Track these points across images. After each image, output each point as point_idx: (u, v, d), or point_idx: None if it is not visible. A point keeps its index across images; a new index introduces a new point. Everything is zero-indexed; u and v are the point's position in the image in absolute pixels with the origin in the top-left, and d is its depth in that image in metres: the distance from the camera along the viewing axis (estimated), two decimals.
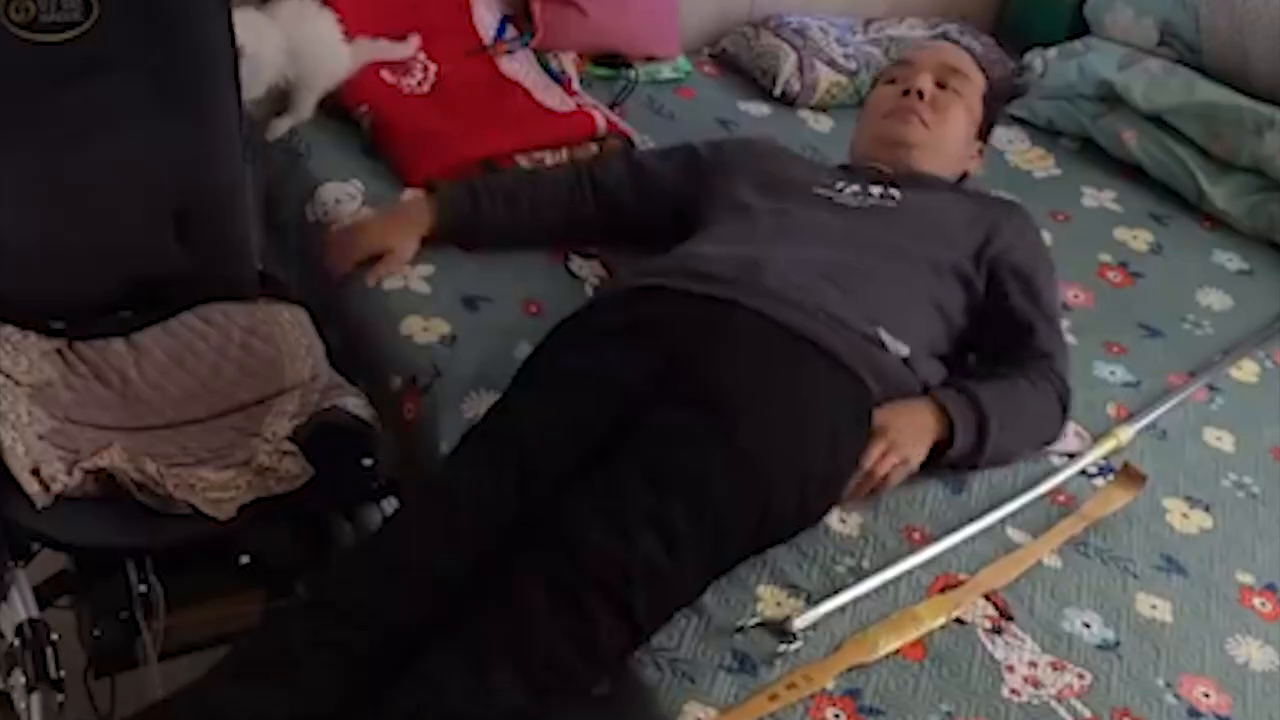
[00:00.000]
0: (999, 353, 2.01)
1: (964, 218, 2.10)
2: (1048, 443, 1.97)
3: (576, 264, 2.22)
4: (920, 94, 2.21)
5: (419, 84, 2.51)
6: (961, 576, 1.75)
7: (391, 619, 1.56)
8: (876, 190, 2.11)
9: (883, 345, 1.87)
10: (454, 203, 2.17)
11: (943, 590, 1.73)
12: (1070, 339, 2.24)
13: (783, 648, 1.60)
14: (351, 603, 1.57)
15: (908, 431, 1.83)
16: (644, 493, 1.61)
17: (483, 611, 1.54)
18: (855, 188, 2.12)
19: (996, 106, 2.36)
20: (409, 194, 2.26)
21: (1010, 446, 1.91)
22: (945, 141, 2.23)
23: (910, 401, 1.87)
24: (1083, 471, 1.96)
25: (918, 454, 1.84)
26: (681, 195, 2.17)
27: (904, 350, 1.89)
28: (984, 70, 2.33)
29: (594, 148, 2.44)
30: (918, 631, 1.66)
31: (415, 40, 2.54)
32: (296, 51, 2.30)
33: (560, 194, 2.22)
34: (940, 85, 2.24)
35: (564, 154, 2.40)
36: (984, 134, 2.34)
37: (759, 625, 1.62)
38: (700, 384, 1.73)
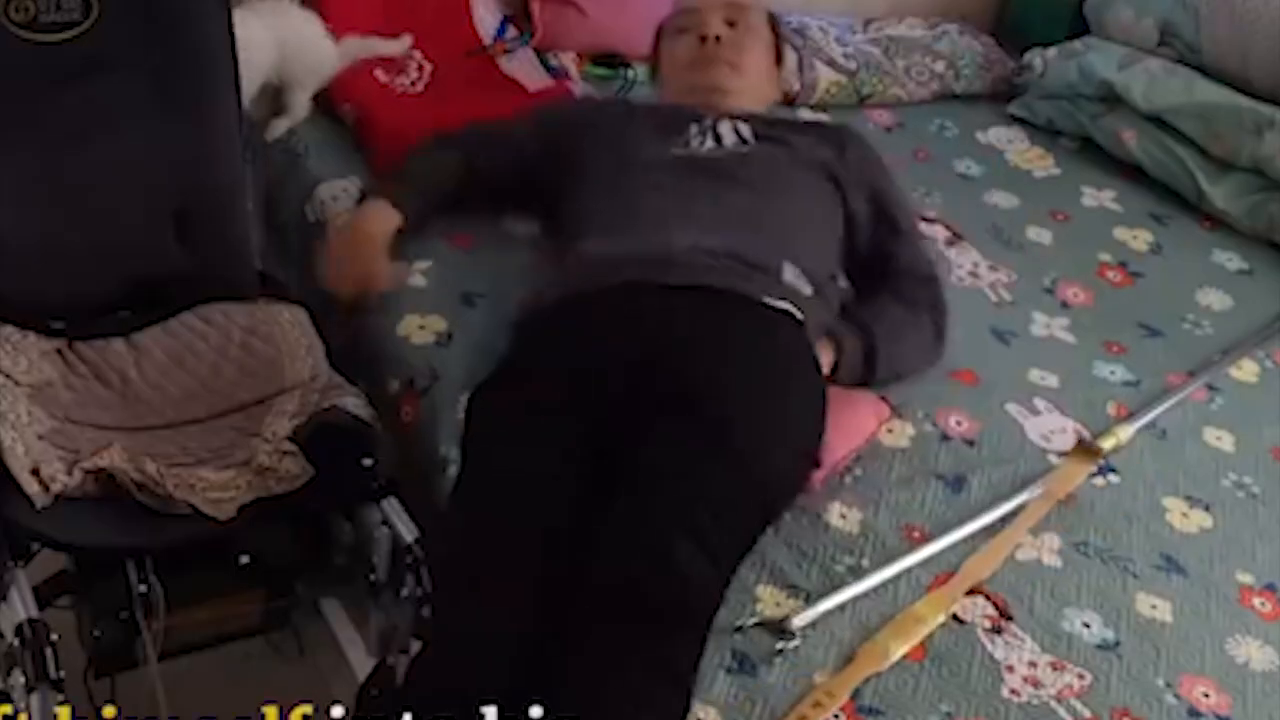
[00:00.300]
0: (869, 272, 2.09)
1: (807, 142, 2.15)
2: (930, 365, 2.07)
3: None
4: (717, 38, 2.23)
5: (412, 83, 2.51)
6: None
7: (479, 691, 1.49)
8: (730, 136, 2.12)
9: (794, 285, 1.90)
10: (408, 207, 2.11)
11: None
12: (1070, 338, 2.25)
13: (781, 645, 1.60)
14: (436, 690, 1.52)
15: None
16: (670, 517, 1.59)
17: (563, 679, 1.50)
18: (709, 142, 2.12)
19: (781, 30, 2.39)
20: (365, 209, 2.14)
21: (897, 369, 2.02)
22: (751, 77, 2.26)
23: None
24: None
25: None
26: (543, 171, 2.17)
27: (807, 289, 1.92)
28: None
29: None
30: (922, 632, 1.67)
31: (408, 38, 2.54)
32: (282, 50, 2.29)
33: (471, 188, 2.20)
34: (730, 24, 2.26)
35: None
36: (780, 58, 2.38)
37: (758, 625, 1.62)
38: (675, 388, 1.72)
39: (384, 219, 2.06)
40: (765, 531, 1.73)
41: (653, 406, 1.71)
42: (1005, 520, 1.85)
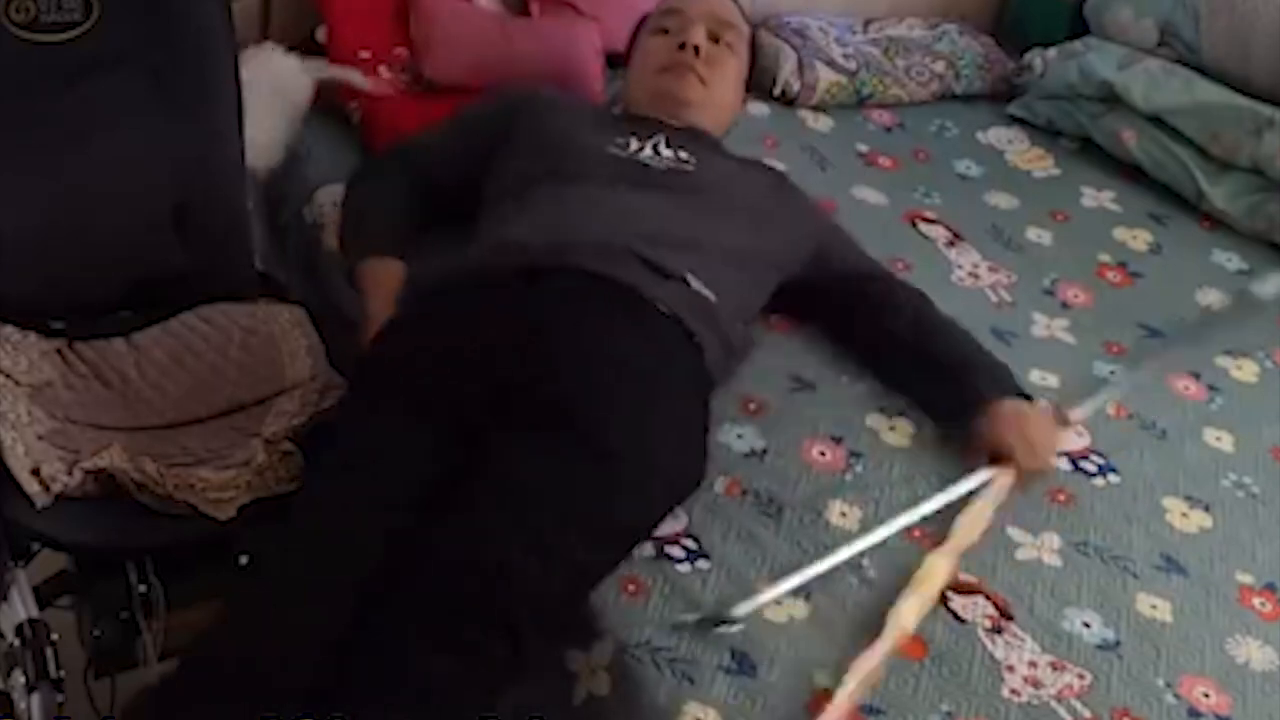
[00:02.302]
0: (851, 308, 2.09)
1: (758, 188, 2.15)
2: None
3: None
4: (696, 49, 2.20)
5: (415, 81, 2.51)
6: (962, 576, 1.76)
7: (279, 685, 1.48)
8: (668, 153, 2.09)
9: (693, 288, 1.88)
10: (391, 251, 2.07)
11: (943, 590, 1.73)
12: (1070, 339, 2.25)
13: (721, 629, 1.60)
14: (235, 668, 1.50)
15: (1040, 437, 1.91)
16: (505, 515, 1.57)
17: (363, 670, 1.48)
18: (648, 150, 2.09)
19: (756, 55, 2.37)
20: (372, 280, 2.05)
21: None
22: (721, 96, 2.24)
23: (1007, 418, 1.90)
24: (1083, 471, 1.96)
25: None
26: (477, 164, 2.15)
27: (711, 296, 1.89)
28: (746, 19, 2.34)
29: None
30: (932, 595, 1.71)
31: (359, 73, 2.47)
32: (260, 90, 2.27)
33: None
34: (713, 38, 2.24)
35: None
36: (749, 83, 2.36)
37: (701, 621, 1.62)
38: (537, 392, 1.70)
39: (393, 273, 2.02)
40: (636, 533, 1.70)
41: (514, 405, 1.68)
42: (1005, 521, 1.85)
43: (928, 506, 1.83)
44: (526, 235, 1.91)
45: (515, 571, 1.53)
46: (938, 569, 1.72)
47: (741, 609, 1.62)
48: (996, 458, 1.87)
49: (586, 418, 1.67)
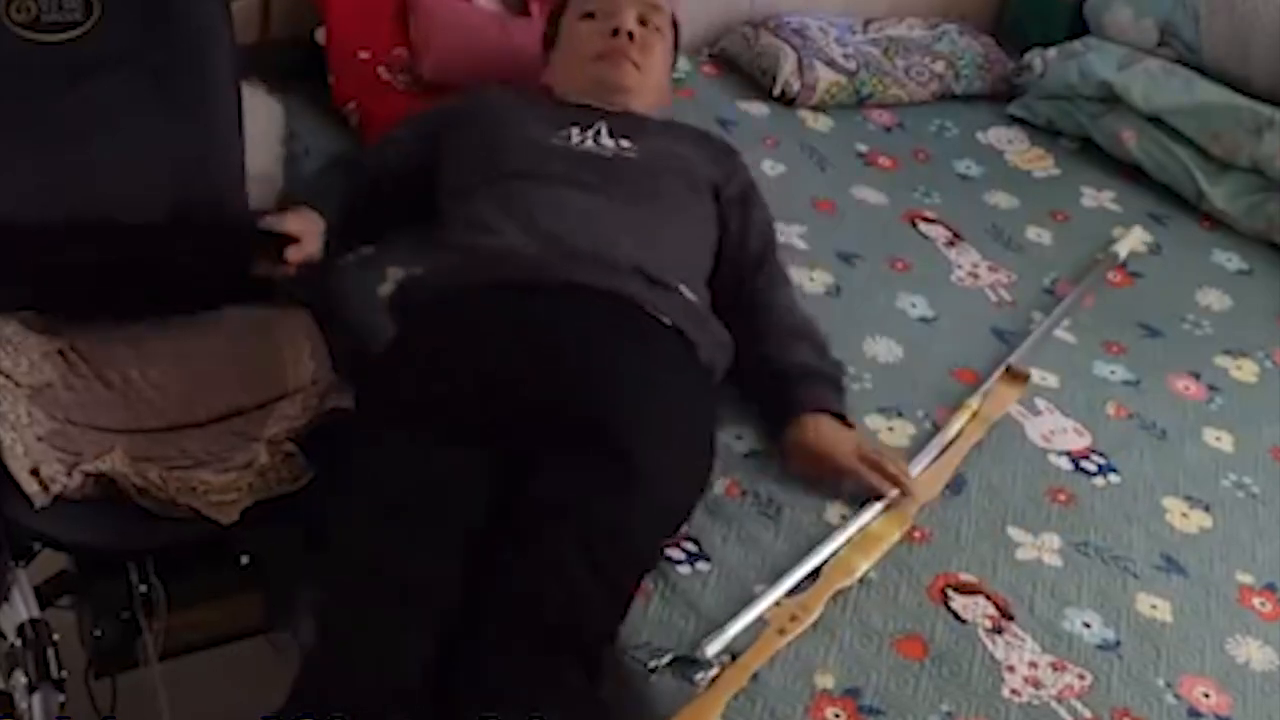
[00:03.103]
0: (731, 300, 2.03)
1: (698, 158, 2.13)
2: None
3: None
4: (630, 35, 2.18)
5: (414, 82, 2.51)
6: (962, 576, 1.76)
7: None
8: (609, 143, 2.07)
9: (686, 298, 1.90)
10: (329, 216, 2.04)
11: (943, 590, 1.73)
12: (1070, 338, 2.25)
13: (700, 676, 1.57)
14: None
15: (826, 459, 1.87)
16: (567, 546, 1.58)
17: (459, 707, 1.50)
18: (590, 143, 2.07)
19: (678, 36, 2.34)
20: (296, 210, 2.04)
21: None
22: (655, 80, 2.24)
23: (822, 436, 1.88)
24: (1083, 471, 1.97)
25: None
26: (426, 169, 2.13)
27: (697, 300, 1.93)
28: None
29: None
30: (883, 548, 1.76)
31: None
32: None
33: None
34: (642, 22, 2.21)
35: None
36: (674, 65, 2.37)
37: (672, 662, 1.59)
38: (570, 411, 1.70)
39: (314, 219, 1.99)
40: (664, 549, 1.72)
41: (546, 428, 1.69)
42: (1005, 520, 1.85)
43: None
44: (517, 243, 1.90)
45: (585, 601, 1.56)
46: (887, 531, 1.79)
47: (713, 648, 1.61)
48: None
49: (619, 437, 1.67)
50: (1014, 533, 1.85)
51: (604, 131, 2.09)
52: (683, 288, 1.91)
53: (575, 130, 2.08)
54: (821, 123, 2.78)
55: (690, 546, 1.75)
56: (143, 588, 1.73)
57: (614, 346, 1.78)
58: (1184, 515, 1.93)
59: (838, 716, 1.56)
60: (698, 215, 2.07)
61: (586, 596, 1.56)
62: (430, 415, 1.70)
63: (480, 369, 1.73)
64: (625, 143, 2.08)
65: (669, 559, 1.72)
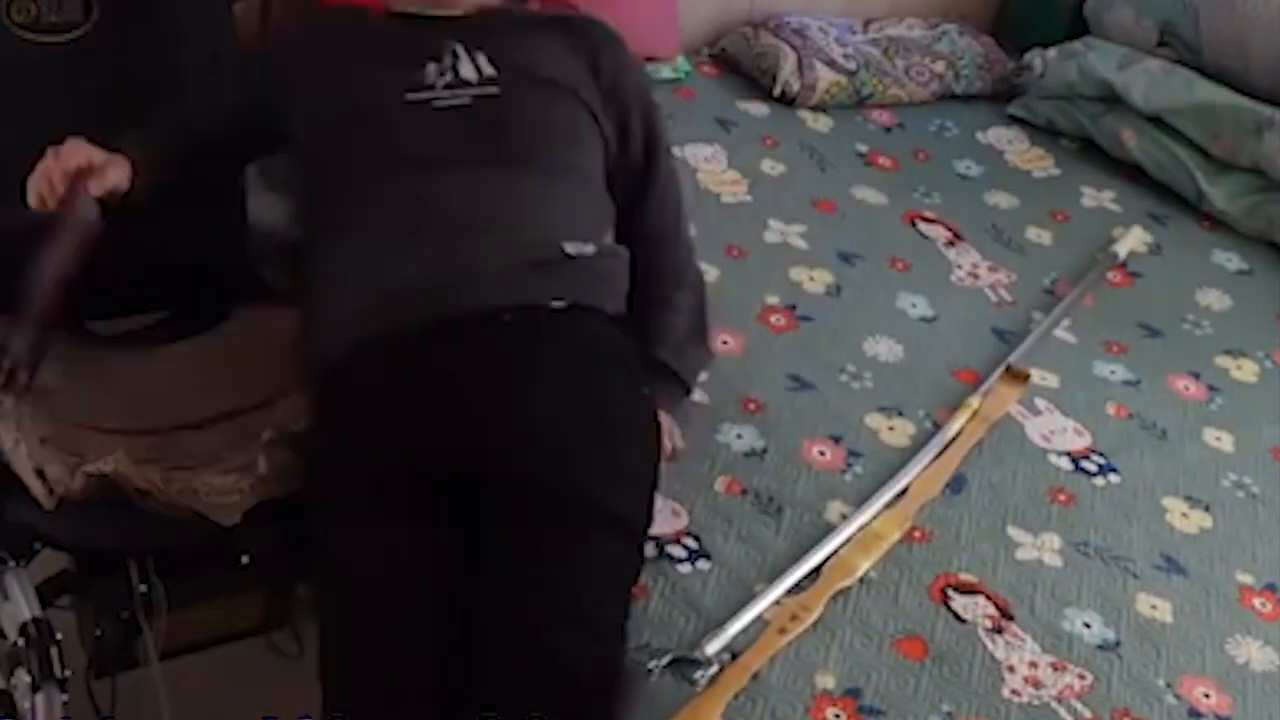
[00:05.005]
0: (630, 203, 1.90)
1: (560, 55, 1.88)
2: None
3: None
4: None
5: None
6: (963, 576, 1.76)
7: None
8: (469, 72, 1.81)
9: (578, 257, 1.75)
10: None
11: (943, 590, 1.73)
12: (1070, 338, 2.25)
13: (700, 675, 1.58)
14: None
15: None
16: (545, 612, 1.54)
17: None
18: (449, 77, 1.80)
19: None
20: None
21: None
22: None
23: None
24: (1084, 471, 1.97)
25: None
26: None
27: (589, 248, 1.77)
28: None
29: None
30: (883, 547, 1.76)
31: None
32: None
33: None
34: None
35: None
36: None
37: (672, 662, 1.59)
38: (515, 466, 1.61)
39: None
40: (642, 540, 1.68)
41: (495, 487, 1.60)
42: (1005, 520, 1.86)
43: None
44: (398, 281, 1.70)
45: (563, 653, 1.51)
46: (887, 530, 1.79)
47: (713, 647, 1.61)
48: None
49: (561, 481, 1.60)
50: (1014, 532, 1.85)
51: (462, 56, 1.82)
52: (568, 247, 1.74)
53: (433, 69, 1.81)
54: (821, 123, 2.79)
55: (691, 544, 1.75)
56: (143, 588, 1.73)
57: (524, 374, 1.66)
58: (1184, 515, 1.93)
59: (838, 717, 1.56)
60: (578, 136, 1.86)
61: (561, 649, 1.51)
62: (378, 492, 1.62)
63: (407, 446, 1.63)
64: (485, 64, 1.82)
65: (670, 557, 1.72)
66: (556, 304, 1.71)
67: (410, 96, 1.79)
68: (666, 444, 1.80)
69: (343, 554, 1.62)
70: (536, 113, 1.84)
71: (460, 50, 1.83)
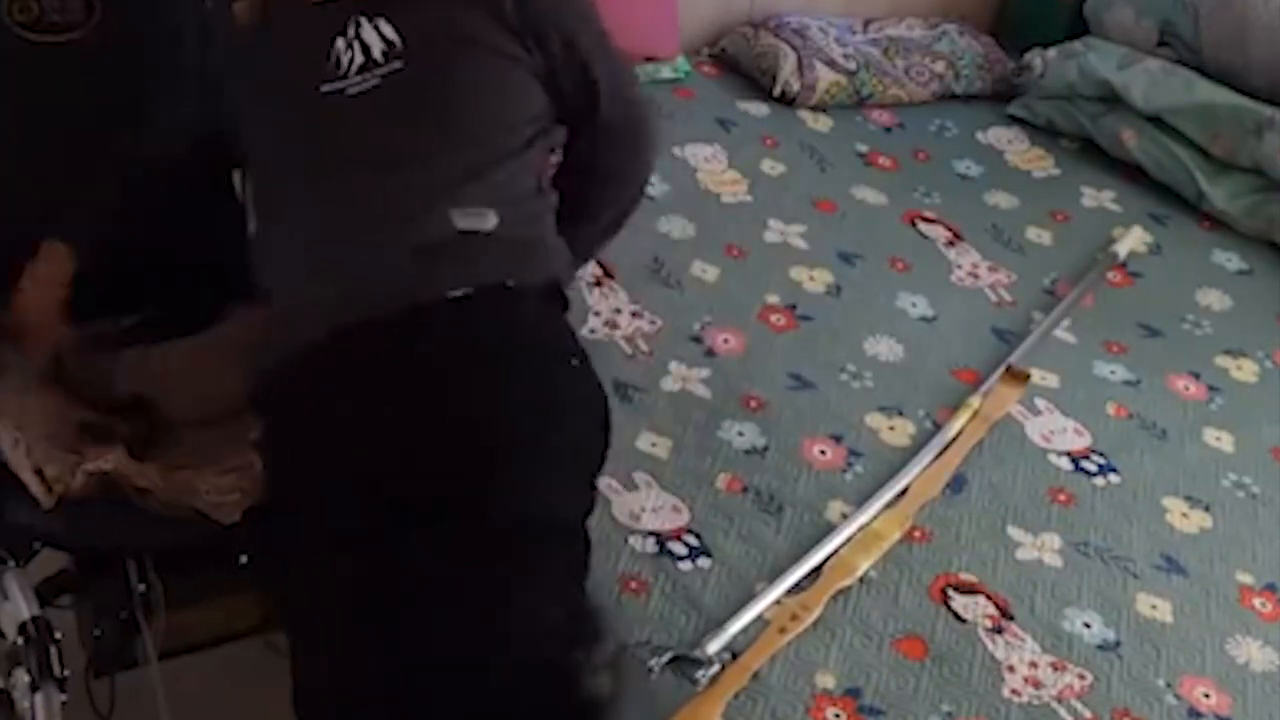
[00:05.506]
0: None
1: (471, 13, 1.74)
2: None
3: None
4: None
5: None
6: (963, 576, 1.76)
7: None
8: (376, 43, 1.70)
9: (480, 231, 1.64)
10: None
11: (943, 589, 1.73)
12: (1070, 338, 2.25)
13: (700, 674, 1.58)
14: None
15: None
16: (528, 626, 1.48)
17: None
18: (357, 56, 1.70)
19: None
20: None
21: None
22: None
23: None
24: (1084, 471, 1.97)
25: None
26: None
27: (491, 222, 1.65)
28: None
29: None
30: (883, 547, 1.76)
31: None
32: None
33: None
34: None
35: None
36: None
37: (673, 660, 1.59)
38: (426, 486, 1.51)
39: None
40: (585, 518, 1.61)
41: (414, 514, 1.50)
42: (1006, 520, 1.86)
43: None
44: (310, 294, 1.64)
45: (514, 668, 1.46)
46: (887, 530, 1.79)
47: (713, 646, 1.61)
48: None
49: (493, 495, 1.52)
50: (1014, 532, 1.85)
51: (364, 25, 1.71)
52: (455, 216, 1.63)
53: (340, 44, 1.71)
54: (821, 123, 2.78)
55: (692, 541, 1.75)
56: (142, 587, 1.72)
57: (433, 383, 1.56)
58: (1184, 515, 1.93)
59: (838, 716, 1.56)
60: (494, 92, 1.73)
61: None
62: (320, 517, 1.55)
63: (354, 472, 1.54)
64: (389, 31, 1.70)
65: (671, 554, 1.72)
66: (466, 291, 1.60)
67: (326, 88, 1.71)
68: None
69: (294, 582, 1.57)
70: (444, 81, 1.72)
71: (363, 20, 1.73)
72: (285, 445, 1.61)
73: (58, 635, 1.64)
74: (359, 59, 1.71)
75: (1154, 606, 1.77)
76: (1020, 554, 1.82)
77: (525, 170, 1.73)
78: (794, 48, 2.82)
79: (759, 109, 2.77)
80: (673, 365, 2.04)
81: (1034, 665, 1.66)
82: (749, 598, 1.68)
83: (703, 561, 1.73)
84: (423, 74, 1.71)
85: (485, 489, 1.51)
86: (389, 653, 1.48)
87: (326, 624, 1.52)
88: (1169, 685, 1.66)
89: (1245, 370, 2.26)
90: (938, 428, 1.99)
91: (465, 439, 1.52)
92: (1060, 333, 2.26)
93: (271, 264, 1.70)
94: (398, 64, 1.70)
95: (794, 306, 2.21)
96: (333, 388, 1.57)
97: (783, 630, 1.63)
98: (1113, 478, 1.97)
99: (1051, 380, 2.14)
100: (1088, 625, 1.73)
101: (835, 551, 1.76)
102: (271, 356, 1.64)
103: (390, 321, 1.57)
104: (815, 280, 2.28)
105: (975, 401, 2.02)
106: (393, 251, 1.61)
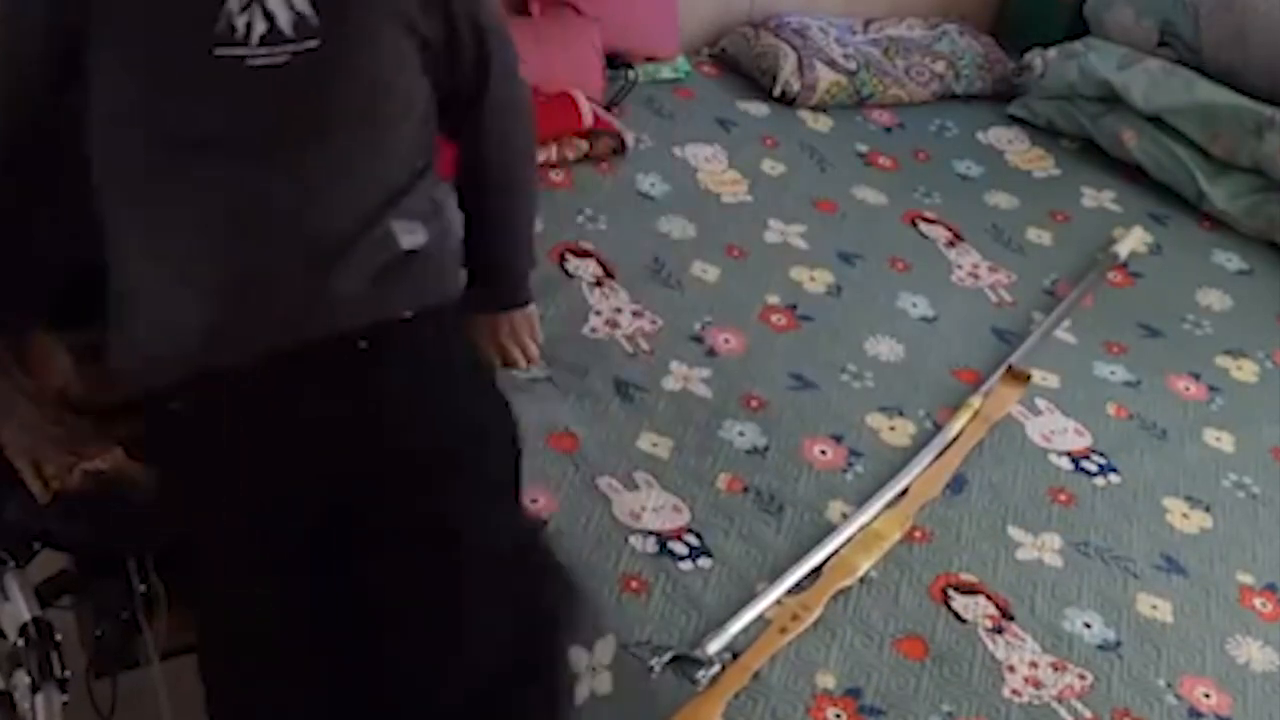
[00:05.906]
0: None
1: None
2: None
3: (572, 264, 2.22)
4: None
5: None
6: (963, 576, 1.76)
7: None
8: (282, 13, 1.47)
9: (416, 247, 1.58)
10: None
11: (944, 589, 1.73)
12: (1070, 338, 2.25)
13: (701, 674, 1.58)
14: None
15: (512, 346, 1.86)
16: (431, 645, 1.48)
17: None
18: (260, 25, 1.47)
19: None
20: None
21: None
22: None
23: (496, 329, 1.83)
24: (1084, 471, 1.97)
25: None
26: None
27: (420, 239, 1.58)
28: None
29: (584, 145, 2.45)
30: (884, 547, 1.76)
31: None
32: None
33: None
34: None
35: (553, 150, 2.41)
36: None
37: (673, 660, 1.59)
38: (362, 512, 1.50)
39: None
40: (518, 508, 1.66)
41: (348, 538, 1.49)
42: (1006, 520, 1.86)
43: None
44: (194, 315, 1.51)
45: (456, 685, 1.48)
46: (888, 530, 1.79)
47: (714, 646, 1.61)
48: None
49: (430, 513, 1.51)
50: (1014, 533, 1.85)
51: (268, 3, 1.48)
52: (412, 239, 1.57)
53: (232, 3, 1.45)
54: (821, 123, 2.78)
55: (693, 541, 1.75)
56: (143, 587, 1.72)
57: (381, 418, 1.54)
58: (1184, 515, 1.93)
59: (838, 716, 1.56)
60: (408, 78, 1.60)
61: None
62: (247, 542, 1.52)
63: (272, 495, 1.51)
64: (300, 3, 1.48)
65: (671, 554, 1.72)
66: (406, 315, 1.57)
67: (220, 51, 1.46)
68: (531, 346, 1.85)
69: (221, 606, 1.54)
70: (357, 65, 1.55)
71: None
72: (203, 467, 1.54)
73: (58, 636, 1.64)
74: (260, 26, 1.48)
75: (1154, 606, 1.77)
76: (1020, 554, 1.82)
77: (432, 163, 1.64)
78: (794, 48, 2.82)
79: (759, 109, 2.77)
80: (674, 365, 2.04)
81: (1034, 665, 1.66)
82: (749, 598, 1.68)
83: (703, 561, 1.73)
84: (342, 62, 1.53)
85: (430, 513, 1.50)
86: (332, 681, 1.46)
87: (253, 650, 1.49)
88: (1169, 685, 1.66)
89: (1245, 370, 2.26)
90: (938, 428, 1.99)
91: (405, 464, 1.51)
92: (1060, 333, 2.26)
93: (152, 254, 1.52)
94: (311, 43, 1.49)
95: (794, 306, 2.21)
96: (265, 410, 1.51)
97: (783, 630, 1.63)
98: (1113, 478, 1.97)
99: (1052, 380, 2.14)
100: (1088, 625, 1.73)
101: (836, 551, 1.76)
102: (161, 372, 1.53)
103: (327, 345, 1.51)
104: (816, 280, 2.28)
105: (976, 402, 2.03)
106: (344, 277, 1.51)
